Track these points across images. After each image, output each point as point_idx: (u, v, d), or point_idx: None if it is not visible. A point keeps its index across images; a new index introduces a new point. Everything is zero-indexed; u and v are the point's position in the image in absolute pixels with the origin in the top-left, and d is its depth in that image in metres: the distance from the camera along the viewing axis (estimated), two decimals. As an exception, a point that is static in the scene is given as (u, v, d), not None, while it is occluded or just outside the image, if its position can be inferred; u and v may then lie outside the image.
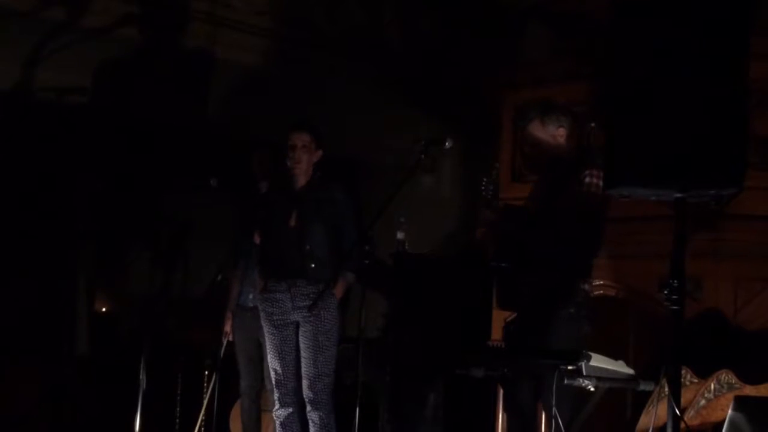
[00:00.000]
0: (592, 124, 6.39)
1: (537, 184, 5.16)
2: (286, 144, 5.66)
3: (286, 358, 5.65)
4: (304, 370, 5.59)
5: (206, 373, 6.68)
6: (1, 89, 6.91)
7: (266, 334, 5.72)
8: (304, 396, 5.59)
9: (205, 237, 7.36)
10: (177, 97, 7.18)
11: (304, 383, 5.59)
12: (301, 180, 5.70)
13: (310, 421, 5.61)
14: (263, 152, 6.32)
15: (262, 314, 5.74)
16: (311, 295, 5.45)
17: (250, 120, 7.42)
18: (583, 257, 4.91)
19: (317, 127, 5.75)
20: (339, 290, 5.66)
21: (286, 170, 5.68)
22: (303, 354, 5.61)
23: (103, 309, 7.84)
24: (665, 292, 3.74)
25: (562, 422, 4.40)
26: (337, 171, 5.91)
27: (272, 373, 5.71)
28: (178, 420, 6.89)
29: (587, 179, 4.82)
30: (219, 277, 6.48)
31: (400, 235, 6.86)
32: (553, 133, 5.03)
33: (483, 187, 4.92)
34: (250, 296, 6.28)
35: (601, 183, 4.80)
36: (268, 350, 5.73)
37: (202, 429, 6.62)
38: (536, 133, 5.04)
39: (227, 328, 6.39)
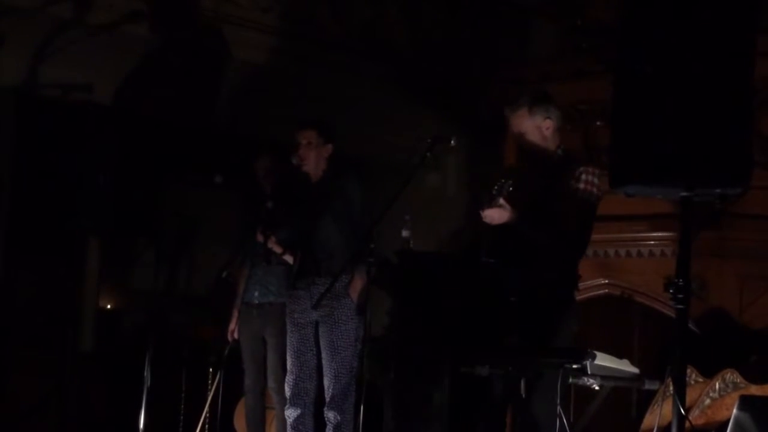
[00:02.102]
0: (598, 122, 6.39)
1: (524, 177, 5.09)
2: (293, 142, 5.66)
3: (302, 357, 5.65)
4: (324, 369, 5.60)
5: (210, 370, 6.68)
6: (7, 85, 6.92)
7: (287, 332, 5.71)
8: (325, 394, 5.60)
9: (210, 234, 7.37)
10: (182, 93, 7.18)
11: (324, 382, 5.60)
12: (312, 176, 5.70)
13: (326, 420, 5.61)
14: (264, 158, 6.30)
15: (286, 311, 5.75)
16: (329, 294, 5.39)
17: (255, 117, 7.43)
18: (574, 255, 4.89)
19: (324, 122, 5.74)
20: (354, 289, 5.62)
21: (294, 168, 5.67)
22: (322, 353, 5.61)
23: (108, 306, 7.85)
24: (670, 291, 3.73)
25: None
26: (350, 169, 5.90)
27: (288, 372, 5.70)
28: (182, 417, 6.90)
29: (583, 176, 4.79)
30: (224, 274, 6.47)
31: (405, 233, 6.85)
32: (539, 123, 4.92)
33: (498, 187, 4.81)
34: (256, 293, 6.28)
35: (596, 180, 4.80)
36: (287, 348, 5.73)
37: (207, 426, 6.62)
38: (522, 121, 4.94)
39: (232, 326, 6.39)
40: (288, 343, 5.70)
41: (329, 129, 5.71)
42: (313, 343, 5.64)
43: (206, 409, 6.52)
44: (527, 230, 4.74)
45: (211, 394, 6.47)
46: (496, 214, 4.74)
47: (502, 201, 4.74)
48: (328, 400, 5.57)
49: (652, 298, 6.10)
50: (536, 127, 4.93)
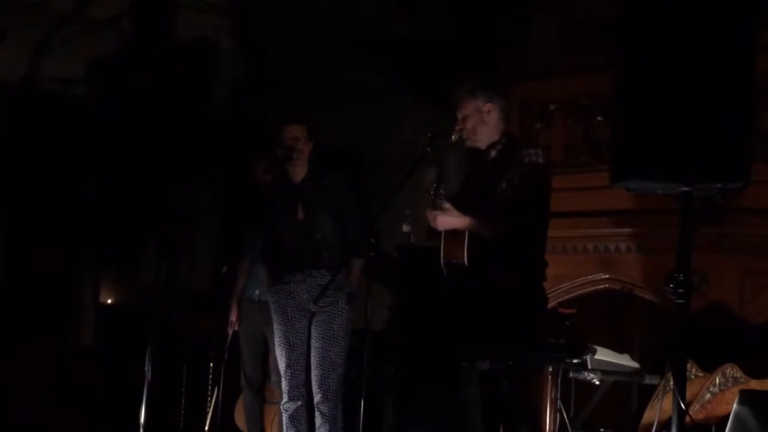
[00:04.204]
0: (599, 117, 6.38)
1: (472, 164, 5.05)
2: (285, 137, 5.64)
3: (297, 350, 5.64)
4: (316, 360, 5.57)
5: (211, 365, 6.69)
6: (8, 80, 6.91)
7: (277, 326, 5.69)
8: (315, 387, 5.58)
9: (211, 228, 7.36)
10: (182, 88, 7.18)
11: (315, 374, 5.57)
12: (300, 172, 5.70)
13: (317, 413, 5.59)
14: (263, 159, 6.28)
15: (273, 306, 5.71)
16: (330, 285, 5.38)
17: (256, 112, 7.42)
18: (534, 242, 4.89)
19: (307, 120, 5.77)
20: (354, 280, 5.64)
21: (286, 164, 5.67)
22: (315, 344, 5.59)
23: (109, 300, 7.85)
24: (671, 285, 3.73)
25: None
26: (343, 164, 5.91)
27: (281, 366, 5.70)
28: (183, 411, 6.90)
29: (526, 159, 4.78)
30: (224, 269, 6.49)
31: (405, 228, 6.85)
32: (480, 106, 4.91)
33: (433, 194, 4.78)
34: (257, 291, 6.28)
35: (540, 159, 4.80)
36: (277, 343, 5.71)
37: (208, 422, 6.63)
38: (465, 103, 4.93)
39: (232, 317, 6.39)
40: (281, 338, 5.67)
41: (310, 127, 5.74)
42: (306, 336, 5.64)
43: (212, 404, 6.52)
44: (479, 230, 4.74)
45: (216, 389, 6.47)
46: (439, 221, 4.76)
47: (447, 205, 4.74)
48: (323, 391, 5.54)
49: (652, 293, 6.10)
50: (477, 109, 4.92)
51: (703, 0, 3.63)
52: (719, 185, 3.73)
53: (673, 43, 3.62)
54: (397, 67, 7.88)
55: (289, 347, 5.65)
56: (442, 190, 4.78)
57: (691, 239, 3.76)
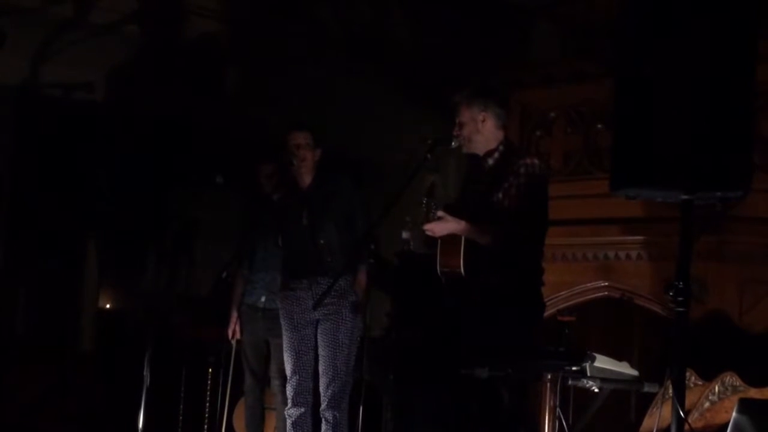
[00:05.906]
0: (599, 125, 6.38)
1: (471, 171, 5.06)
2: (288, 144, 5.66)
3: (303, 357, 5.65)
4: (322, 368, 5.58)
5: (210, 370, 6.69)
6: (9, 85, 6.92)
7: (284, 333, 5.70)
8: (321, 394, 5.59)
9: (211, 234, 7.36)
10: (183, 94, 7.19)
11: (322, 381, 5.58)
12: (306, 179, 5.72)
13: (323, 420, 5.60)
14: (268, 162, 6.28)
15: (282, 312, 5.74)
16: (332, 292, 5.39)
17: (257, 118, 7.43)
18: (533, 249, 4.87)
19: (312, 127, 5.77)
20: (359, 286, 5.66)
21: (291, 171, 5.68)
22: (321, 352, 5.60)
23: (108, 305, 7.85)
24: (670, 293, 3.73)
25: None
26: (343, 170, 5.91)
27: (288, 372, 5.70)
28: (181, 417, 6.90)
29: (522, 169, 4.77)
30: (224, 275, 6.48)
31: (405, 235, 6.85)
32: (475, 115, 4.90)
33: (425, 207, 4.77)
34: (263, 298, 6.27)
35: (537, 170, 4.80)
36: (284, 349, 5.72)
37: (206, 427, 6.62)
38: (462, 110, 4.93)
39: (232, 327, 6.39)
40: (287, 344, 5.69)
41: (316, 134, 5.75)
42: (313, 343, 5.65)
43: (225, 409, 6.52)
44: (477, 237, 4.74)
45: (221, 394, 6.46)
46: (437, 227, 4.75)
47: (441, 213, 4.73)
48: (328, 399, 5.55)
49: (651, 301, 6.10)
50: (472, 118, 4.91)
51: (703, 8, 3.63)
52: (720, 194, 3.73)
53: (673, 51, 3.62)
54: (397, 74, 7.89)
55: (296, 354, 5.65)
56: (433, 204, 4.75)
57: (692, 247, 3.76)
